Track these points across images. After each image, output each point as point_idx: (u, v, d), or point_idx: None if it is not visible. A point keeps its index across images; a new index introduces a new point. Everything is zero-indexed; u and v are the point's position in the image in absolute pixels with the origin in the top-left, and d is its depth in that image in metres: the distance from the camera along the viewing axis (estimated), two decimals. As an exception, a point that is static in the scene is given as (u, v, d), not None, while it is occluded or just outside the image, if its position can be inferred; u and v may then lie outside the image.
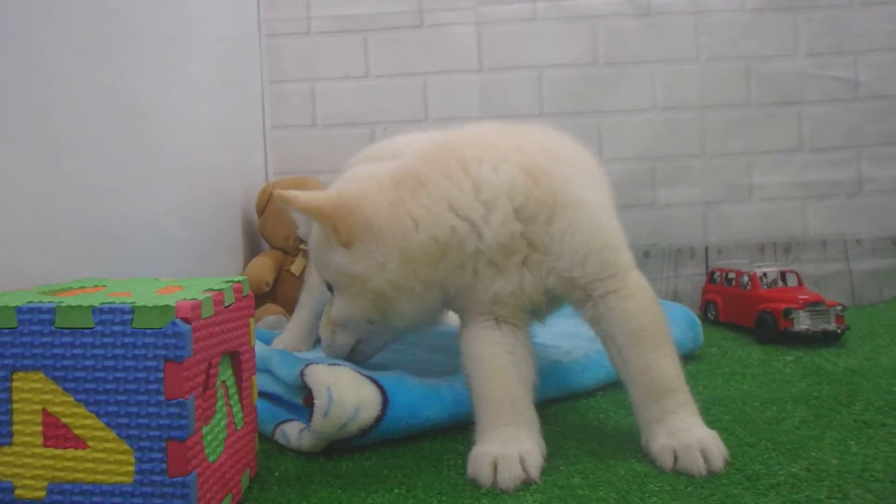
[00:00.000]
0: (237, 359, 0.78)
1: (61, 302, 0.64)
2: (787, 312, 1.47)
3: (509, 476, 0.78)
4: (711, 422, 0.89)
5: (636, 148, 1.90)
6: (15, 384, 0.64)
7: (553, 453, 0.86)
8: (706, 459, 0.80)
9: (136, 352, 0.62)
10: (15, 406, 0.64)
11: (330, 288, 0.99)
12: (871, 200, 1.92)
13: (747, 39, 1.90)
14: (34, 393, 0.64)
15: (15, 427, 0.64)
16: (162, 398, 0.62)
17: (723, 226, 1.92)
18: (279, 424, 0.95)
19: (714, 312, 1.72)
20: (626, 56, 1.90)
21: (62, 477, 0.64)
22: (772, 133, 1.91)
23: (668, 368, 0.88)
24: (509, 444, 0.82)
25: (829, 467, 0.79)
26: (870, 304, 1.88)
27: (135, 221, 1.23)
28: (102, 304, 0.63)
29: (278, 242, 1.77)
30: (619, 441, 0.91)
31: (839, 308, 1.49)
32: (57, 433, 0.64)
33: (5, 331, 0.64)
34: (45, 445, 0.64)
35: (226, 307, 0.73)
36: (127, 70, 1.23)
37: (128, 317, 0.63)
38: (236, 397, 0.78)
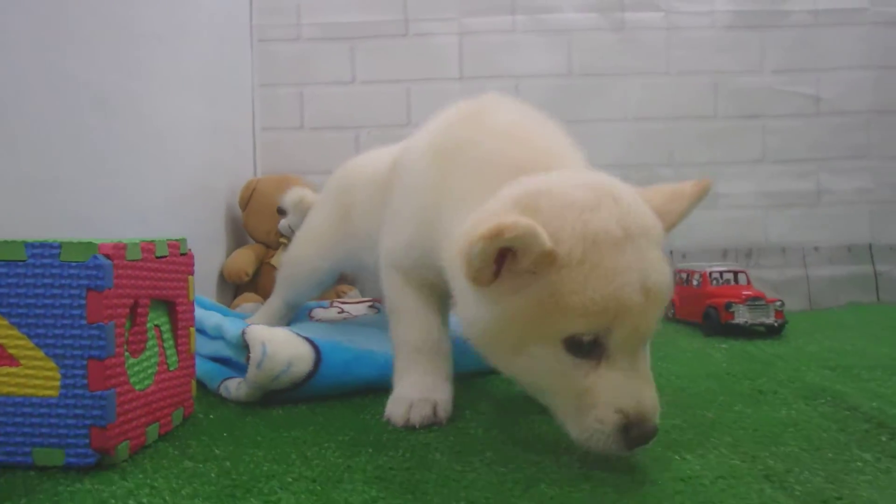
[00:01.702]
0: (173, 308, 0.83)
1: (-1, 239, 0.70)
2: (728, 306, 1.51)
3: (419, 417, 0.84)
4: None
5: (608, 156, 1.94)
6: (-36, 310, 0.69)
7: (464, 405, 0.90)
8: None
9: (63, 281, 0.68)
10: (-38, 329, 0.69)
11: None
12: (829, 211, 1.95)
13: (717, 55, 1.94)
14: None
15: (-38, 348, 0.69)
16: (84, 322, 0.68)
17: (688, 231, 1.94)
18: (224, 381, 1.00)
19: (672, 310, 1.75)
20: (600, 68, 1.95)
21: (0, 390, 0.69)
22: (737, 145, 1.95)
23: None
24: (426, 392, 0.87)
25: (705, 420, 0.85)
26: (826, 309, 1.90)
27: (123, 215, 1.28)
28: (34, 241, 0.68)
29: (260, 236, 1.82)
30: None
31: (778, 304, 1.53)
32: (-4, 353, 0.69)
33: (-49, 264, 0.69)
34: None
35: (157, 257, 0.78)
36: (115, 69, 1.29)
37: (56, 251, 0.69)
38: (171, 342, 0.83)
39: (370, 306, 1.58)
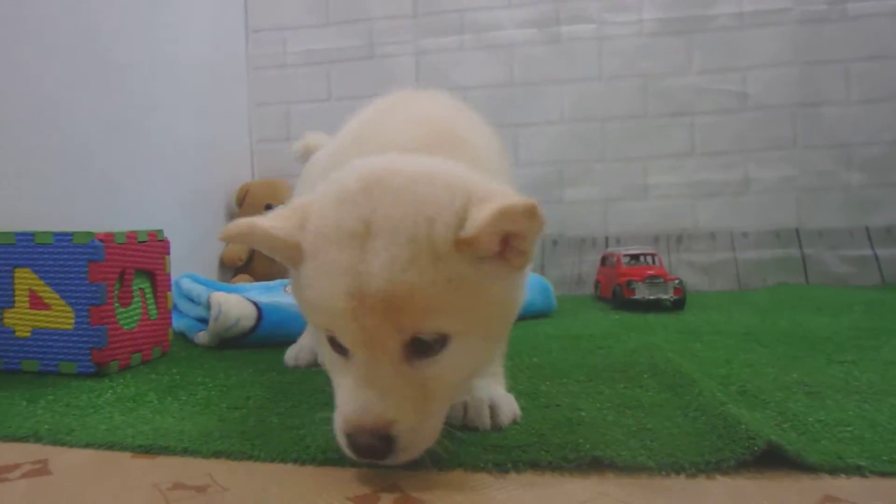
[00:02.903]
0: (153, 277, 1.29)
1: (36, 230, 1.17)
2: (629, 284, 1.82)
3: (305, 360, 1.16)
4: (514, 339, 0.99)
5: (547, 154, 2.28)
6: (15, 275, 1.17)
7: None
8: (493, 415, 0.80)
9: (75, 256, 1.14)
10: (15, 286, 1.17)
11: (426, 347, 0.65)
12: (756, 198, 2.21)
13: (644, 60, 2.24)
14: (25, 280, 1.17)
15: (15, 297, 1.17)
16: (87, 282, 1.14)
17: (621, 220, 2.26)
18: (196, 333, 1.43)
19: (598, 289, 2.07)
20: (538, 77, 2.29)
21: (38, 324, 1.17)
22: (666, 140, 2.24)
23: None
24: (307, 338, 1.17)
25: (530, 363, 1.15)
26: (753, 290, 2.16)
27: (139, 213, 1.72)
28: (57, 231, 1.15)
29: (251, 231, 2.27)
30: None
31: (677, 282, 1.82)
32: (36, 301, 1.16)
33: (9, 246, 1.17)
34: (31, 308, 1.17)
35: (139, 242, 1.23)
36: (138, 99, 1.76)
37: (69, 237, 1.15)
38: (152, 300, 1.29)
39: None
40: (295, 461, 0.73)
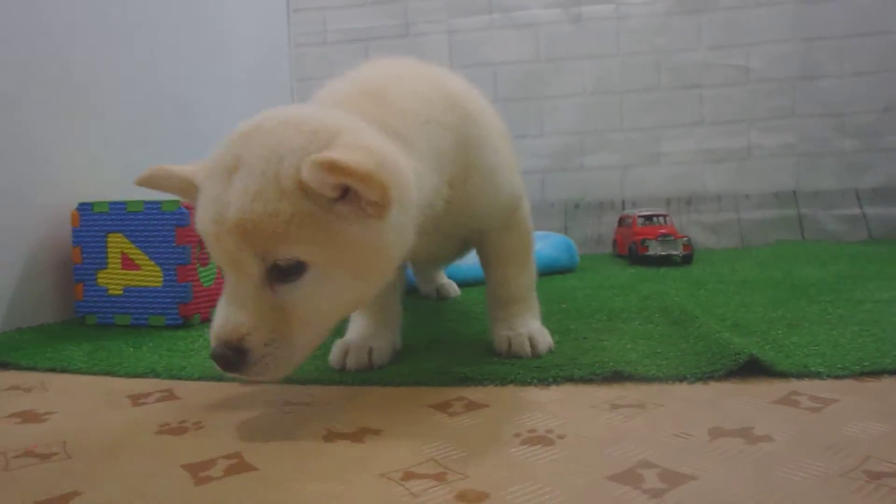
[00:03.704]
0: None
1: (127, 200, 1.37)
2: (643, 241, 2.06)
3: (355, 362, 0.97)
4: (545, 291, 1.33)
5: (569, 125, 2.50)
6: (108, 239, 1.37)
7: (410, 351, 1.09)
8: (532, 346, 1.00)
9: (163, 222, 1.34)
10: (108, 250, 1.37)
11: (286, 273, 0.70)
12: (758, 164, 2.44)
13: (658, 37, 2.45)
14: (117, 244, 1.37)
15: (108, 260, 1.37)
16: (174, 244, 1.34)
17: (637, 184, 2.49)
18: None
19: (615, 247, 2.31)
20: (562, 54, 2.50)
21: (129, 283, 1.37)
22: (678, 111, 2.45)
23: (522, 282, 1.07)
24: (364, 339, 1.00)
25: (559, 309, 1.38)
26: (755, 246, 2.40)
27: None
28: (147, 200, 1.36)
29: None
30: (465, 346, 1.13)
31: (685, 239, 2.06)
32: (127, 262, 1.36)
33: (104, 214, 1.37)
34: (122, 269, 1.37)
35: None
36: (192, 78, 1.96)
37: (158, 206, 1.35)
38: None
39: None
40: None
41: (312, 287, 0.71)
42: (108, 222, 1.37)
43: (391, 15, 2.59)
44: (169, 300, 1.34)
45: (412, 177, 0.78)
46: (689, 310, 1.28)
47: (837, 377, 0.90)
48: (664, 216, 2.21)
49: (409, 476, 0.62)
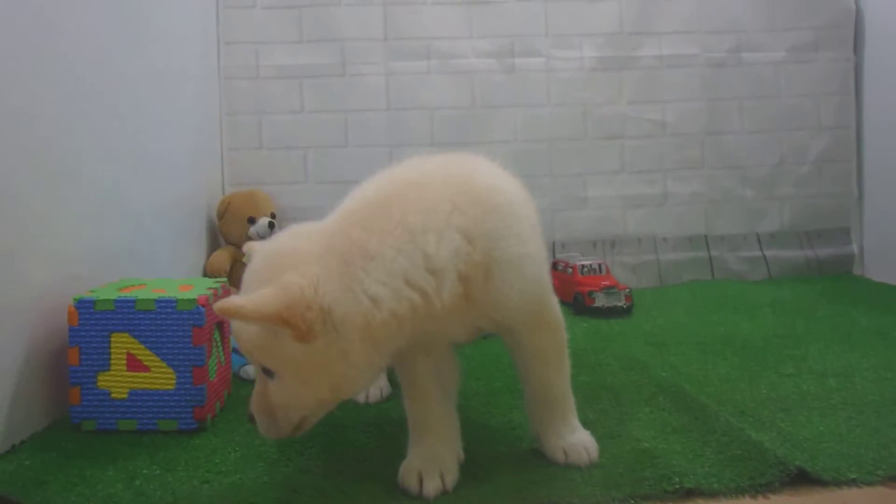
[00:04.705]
0: (222, 325, 1.42)
1: (137, 296, 1.27)
2: (590, 293, 2.17)
3: (433, 489, 0.99)
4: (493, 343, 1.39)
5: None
6: (112, 339, 1.26)
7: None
8: (588, 453, 1.07)
9: (178, 322, 1.25)
10: (112, 350, 1.26)
11: (268, 372, 0.92)
12: (673, 209, 2.63)
13: (584, 91, 2.57)
14: (122, 343, 1.26)
15: (112, 361, 1.26)
16: (191, 345, 1.26)
17: (566, 227, 2.60)
18: (241, 366, 1.58)
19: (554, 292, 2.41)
20: (495, 101, 2.55)
21: (135, 386, 1.27)
22: (601, 159, 2.59)
23: (561, 385, 1.10)
24: (433, 462, 1.01)
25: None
26: (672, 285, 2.58)
27: (125, 222, 1.68)
28: (159, 298, 1.26)
29: (233, 239, 2.37)
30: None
31: (628, 290, 2.19)
32: (134, 363, 1.26)
33: (108, 312, 1.26)
34: (128, 370, 1.27)
35: (218, 297, 1.36)
36: (122, 109, 1.70)
37: (173, 304, 1.26)
38: (220, 347, 1.41)
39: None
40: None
41: (278, 388, 0.92)
42: (113, 321, 1.26)
43: (327, 53, 2.52)
44: (183, 404, 1.26)
45: (360, 304, 0.87)
46: (687, 391, 1.39)
47: (869, 484, 1.02)
48: (601, 264, 2.34)
49: None
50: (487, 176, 1.03)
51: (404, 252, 0.89)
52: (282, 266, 0.89)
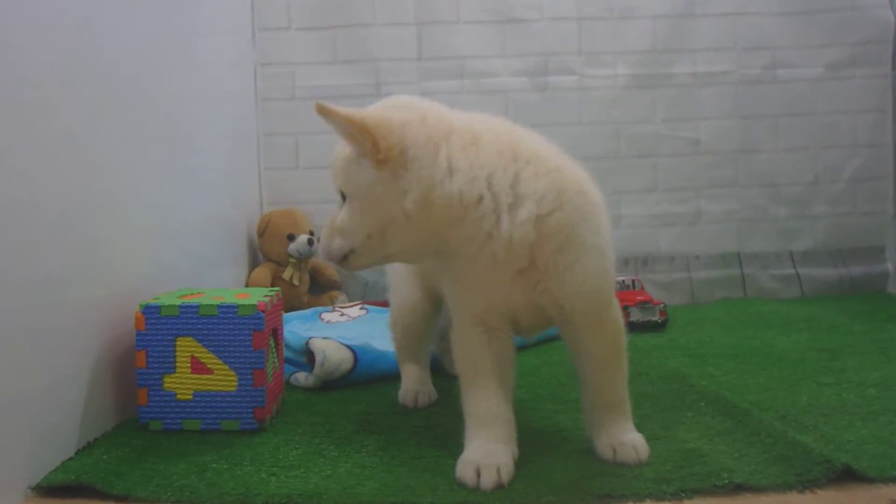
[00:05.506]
0: (277, 332, 1.52)
1: (200, 302, 1.37)
2: (626, 308, 2.25)
3: (490, 482, 1.04)
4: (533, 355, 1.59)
5: (536, 188, 2.66)
6: (177, 343, 1.36)
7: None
8: (637, 452, 1.12)
9: (239, 326, 1.35)
10: (177, 353, 1.36)
11: (343, 197, 1.09)
12: (706, 227, 2.71)
13: (617, 109, 2.67)
14: (187, 347, 1.36)
15: (177, 364, 1.37)
16: (252, 349, 1.35)
17: (599, 245, 2.68)
18: (292, 374, 1.68)
19: (586, 308, 2.49)
20: (528, 120, 2.62)
21: (199, 388, 1.36)
22: (634, 178, 2.68)
23: (617, 387, 1.16)
24: (490, 456, 1.07)
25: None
26: (704, 304, 2.66)
27: (170, 242, 1.77)
28: (220, 303, 1.36)
29: (273, 256, 2.49)
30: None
31: (662, 306, 2.27)
32: (198, 366, 1.36)
33: (173, 317, 1.36)
34: (192, 373, 1.36)
35: (273, 304, 1.47)
36: (173, 134, 1.82)
37: (234, 309, 1.36)
38: (275, 352, 1.51)
39: (361, 308, 2.29)
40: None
41: (343, 210, 1.10)
42: (178, 325, 1.36)
43: (362, 74, 2.65)
44: (244, 405, 1.36)
45: (437, 162, 1.00)
46: (725, 396, 1.46)
47: (913, 480, 1.09)
48: (635, 280, 2.42)
49: None
50: (580, 171, 1.16)
51: (504, 159, 1.02)
52: (389, 107, 1.08)
